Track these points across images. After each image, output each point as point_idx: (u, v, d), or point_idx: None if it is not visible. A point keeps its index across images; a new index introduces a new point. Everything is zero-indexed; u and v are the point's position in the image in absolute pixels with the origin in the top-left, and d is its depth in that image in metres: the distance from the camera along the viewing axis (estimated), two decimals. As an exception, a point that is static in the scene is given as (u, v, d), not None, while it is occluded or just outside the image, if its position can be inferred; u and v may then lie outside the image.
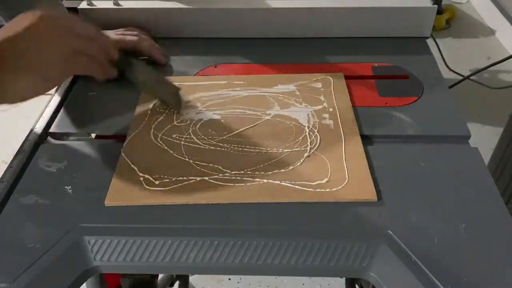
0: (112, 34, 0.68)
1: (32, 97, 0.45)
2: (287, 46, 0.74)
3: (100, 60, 0.51)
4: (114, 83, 0.57)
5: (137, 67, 0.58)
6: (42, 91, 0.46)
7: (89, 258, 0.45)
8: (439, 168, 0.52)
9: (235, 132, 0.56)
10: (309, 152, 0.53)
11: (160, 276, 0.82)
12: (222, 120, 0.58)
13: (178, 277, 0.87)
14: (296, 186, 0.49)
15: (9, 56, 0.43)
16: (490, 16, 2.23)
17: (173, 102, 0.59)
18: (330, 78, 0.65)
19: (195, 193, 0.49)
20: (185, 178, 0.50)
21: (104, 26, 0.71)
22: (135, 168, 0.52)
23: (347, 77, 0.65)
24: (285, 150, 0.54)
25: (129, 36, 0.68)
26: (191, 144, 0.55)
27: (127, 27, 0.72)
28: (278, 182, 0.50)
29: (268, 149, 0.54)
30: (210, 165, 0.52)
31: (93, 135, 0.57)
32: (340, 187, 0.49)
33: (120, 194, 0.49)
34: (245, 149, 0.54)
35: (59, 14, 0.49)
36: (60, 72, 0.47)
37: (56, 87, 0.51)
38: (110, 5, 0.74)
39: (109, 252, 0.45)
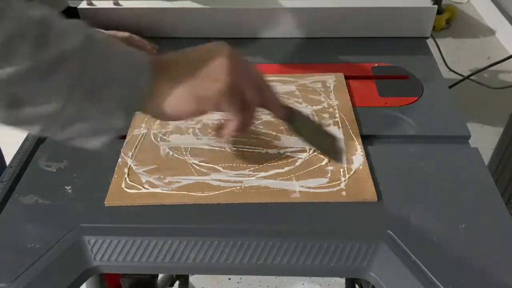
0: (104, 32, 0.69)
1: (176, 115, 0.42)
2: (287, 46, 0.74)
3: (249, 114, 0.45)
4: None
5: (296, 117, 0.51)
6: (185, 113, 0.42)
7: (89, 258, 0.45)
8: (439, 168, 0.52)
9: (235, 132, 0.56)
10: (309, 152, 0.53)
11: (160, 276, 0.82)
12: (222, 120, 0.58)
13: (178, 277, 0.87)
14: (296, 186, 0.49)
15: (179, 65, 0.41)
16: (490, 16, 2.23)
17: (332, 154, 0.53)
18: (330, 78, 0.65)
19: (195, 193, 0.49)
20: (185, 178, 0.50)
21: (104, 26, 0.71)
22: (135, 168, 0.52)
23: (347, 77, 0.65)
24: (285, 150, 0.54)
25: (121, 33, 0.70)
26: (191, 145, 0.55)
27: (126, 28, 0.72)
28: (278, 182, 0.50)
29: (268, 149, 0.54)
30: (210, 165, 0.52)
31: (93, 135, 0.57)
32: (340, 187, 0.49)
33: (120, 194, 0.49)
34: (245, 149, 0.54)
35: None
36: (210, 100, 0.41)
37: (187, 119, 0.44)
38: (110, 5, 0.74)
39: (109, 252, 0.45)
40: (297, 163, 0.52)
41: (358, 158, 0.52)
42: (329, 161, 0.52)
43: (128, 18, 0.74)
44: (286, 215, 0.47)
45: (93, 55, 0.36)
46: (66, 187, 0.51)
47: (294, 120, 0.51)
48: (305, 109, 0.59)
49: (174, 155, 0.54)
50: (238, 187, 0.49)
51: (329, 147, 0.54)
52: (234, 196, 0.48)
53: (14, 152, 0.55)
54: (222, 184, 0.50)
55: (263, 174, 0.51)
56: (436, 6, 0.72)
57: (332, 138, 0.55)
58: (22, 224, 0.47)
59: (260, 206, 0.48)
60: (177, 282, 0.87)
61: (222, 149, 0.54)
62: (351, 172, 0.50)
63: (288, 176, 0.50)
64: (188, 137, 0.56)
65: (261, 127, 0.57)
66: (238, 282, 1.21)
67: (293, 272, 0.45)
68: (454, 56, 1.93)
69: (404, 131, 0.57)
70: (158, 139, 0.56)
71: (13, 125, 0.36)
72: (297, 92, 0.62)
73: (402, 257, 0.43)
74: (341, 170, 0.51)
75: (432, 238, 0.44)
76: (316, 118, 0.58)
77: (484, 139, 1.24)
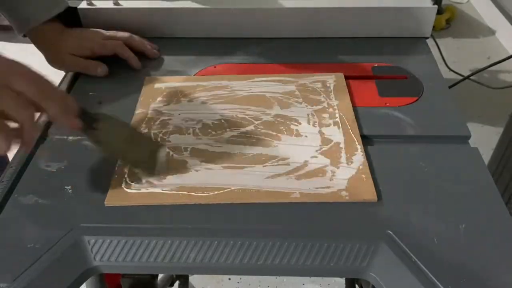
0: (104, 32, 0.70)
1: None
2: (287, 46, 0.74)
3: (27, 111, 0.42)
4: (114, 83, 0.57)
5: (103, 124, 0.49)
6: None
7: (89, 258, 0.45)
8: (439, 168, 0.52)
9: (235, 133, 0.56)
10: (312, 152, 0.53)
11: (160, 276, 0.82)
12: (222, 120, 0.58)
13: (178, 277, 0.87)
14: (296, 187, 0.49)
15: None
16: (490, 16, 2.23)
17: (142, 165, 0.51)
18: (330, 78, 0.65)
19: (195, 193, 0.49)
20: (185, 178, 0.50)
21: (104, 26, 0.71)
22: (135, 168, 0.52)
23: (347, 77, 0.65)
24: (285, 150, 0.54)
25: (121, 32, 0.70)
26: (191, 145, 0.55)
27: (126, 28, 0.72)
28: (278, 182, 0.50)
29: (268, 149, 0.54)
30: (210, 165, 0.52)
31: (93, 135, 0.57)
32: (340, 187, 0.49)
33: (120, 194, 0.49)
34: (245, 149, 0.54)
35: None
36: None
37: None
38: (110, 5, 0.73)
39: (109, 252, 0.45)
40: (297, 163, 0.52)
41: (358, 158, 0.52)
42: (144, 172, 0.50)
43: (128, 18, 0.74)
44: (286, 215, 0.47)
45: None
46: (66, 187, 0.51)
47: (95, 128, 0.48)
48: (305, 109, 0.59)
49: (174, 155, 0.54)
50: (238, 187, 0.49)
51: (140, 157, 0.51)
52: (234, 196, 0.48)
53: (14, 152, 0.55)
54: (222, 184, 0.50)
55: (263, 174, 0.51)
56: (436, 6, 0.72)
57: (146, 149, 0.52)
58: (22, 224, 0.47)
59: (260, 206, 0.48)
60: (177, 282, 0.87)
61: (222, 150, 0.54)
62: (351, 172, 0.50)
63: (288, 176, 0.50)
64: (188, 137, 0.56)
65: (261, 127, 0.57)
66: (238, 282, 1.21)
67: (293, 272, 0.45)
68: (454, 56, 1.93)
69: (404, 131, 0.57)
70: (158, 139, 0.56)
71: None
72: (297, 92, 0.62)
73: (402, 257, 0.43)
74: (341, 170, 0.51)
75: (432, 238, 0.44)
76: (130, 125, 0.56)
77: (484, 139, 1.24)
